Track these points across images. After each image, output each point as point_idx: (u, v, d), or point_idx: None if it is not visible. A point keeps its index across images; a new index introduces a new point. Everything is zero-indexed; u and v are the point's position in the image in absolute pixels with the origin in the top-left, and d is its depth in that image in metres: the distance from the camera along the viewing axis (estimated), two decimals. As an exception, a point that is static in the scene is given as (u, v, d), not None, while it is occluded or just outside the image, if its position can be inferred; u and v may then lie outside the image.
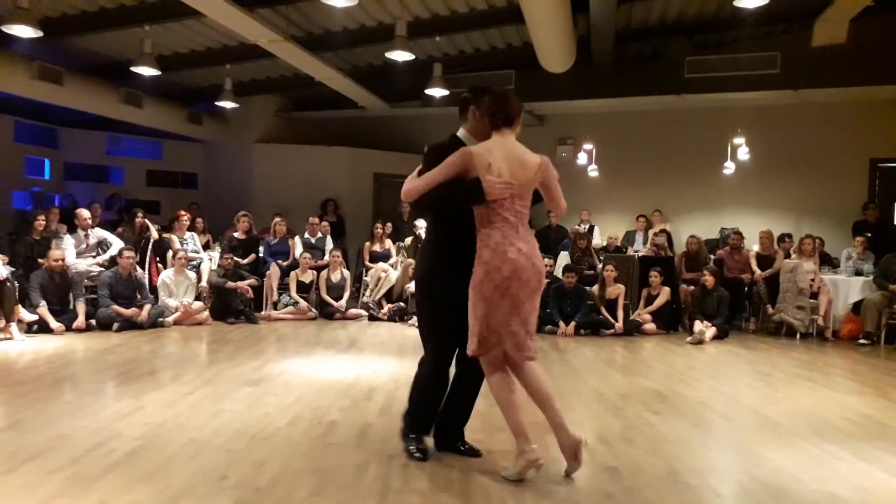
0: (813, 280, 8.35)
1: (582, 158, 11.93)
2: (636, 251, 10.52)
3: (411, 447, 3.41)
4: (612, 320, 8.30)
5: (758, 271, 8.99)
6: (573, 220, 11.71)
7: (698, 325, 8.00)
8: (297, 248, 9.66)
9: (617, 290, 8.51)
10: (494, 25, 9.68)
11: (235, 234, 9.47)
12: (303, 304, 8.85)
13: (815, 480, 3.23)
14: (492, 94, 3.22)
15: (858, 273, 8.66)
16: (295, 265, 9.30)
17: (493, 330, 3.08)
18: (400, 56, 8.00)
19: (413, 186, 3.09)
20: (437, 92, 9.73)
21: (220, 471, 3.14)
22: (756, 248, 9.46)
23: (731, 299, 8.45)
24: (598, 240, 11.14)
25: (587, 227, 11.41)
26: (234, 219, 9.60)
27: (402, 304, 8.97)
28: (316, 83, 10.59)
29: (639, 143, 11.99)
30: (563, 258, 9.96)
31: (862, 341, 7.86)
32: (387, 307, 9.02)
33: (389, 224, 10.44)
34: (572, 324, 8.12)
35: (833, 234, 10.48)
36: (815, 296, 8.37)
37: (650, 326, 8.41)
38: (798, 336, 8.30)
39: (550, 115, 12.50)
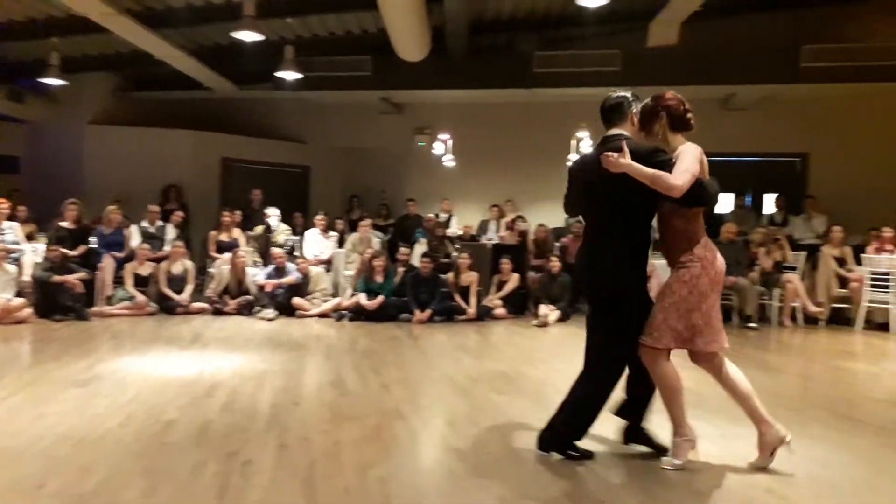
0: (646, 264, 8.98)
1: (439, 148, 12.08)
2: (490, 239, 10.83)
3: (576, 453, 3.30)
4: (466, 306, 8.50)
5: (598, 257, 9.52)
6: (432, 209, 11.84)
7: (543, 309, 8.39)
8: (134, 238, 9.03)
9: (470, 278, 8.73)
10: (349, 10, 9.54)
11: (63, 224, 8.71)
12: (140, 298, 8.27)
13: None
14: (675, 98, 3.29)
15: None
16: (131, 256, 8.69)
17: (692, 324, 3.13)
18: (248, 36, 7.68)
19: (685, 181, 2.97)
20: (288, 75, 9.45)
21: (38, 478, 2.90)
22: (597, 235, 10.02)
23: (574, 284, 8.92)
24: (454, 229, 11.35)
25: (447, 216, 11.59)
26: (62, 207, 8.81)
27: (249, 296, 8.61)
28: (156, 61, 9.93)
29: (492, 135, 12.32)
30: (420, 247, 10.06)
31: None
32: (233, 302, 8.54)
33: (238, 212, 10.01)
34: (428, 311, 8.22)
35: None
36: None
37: (501, 311, 8.72)
38: (634, 317, 8.90)
39: (408, 104, 12.56)
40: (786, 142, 11.41)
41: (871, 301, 8.42)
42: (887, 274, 8.25)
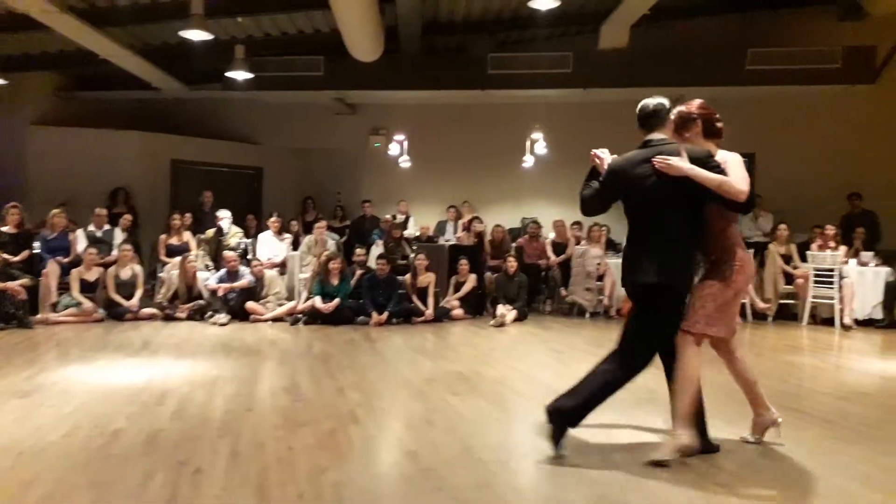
0: (599, 264, 9.13)
1: (394, 149, 12.02)
2: (447, 240, 10.83)
3: (561, 445, 3.32)
4: (423, 308, 8.48)
5: (553, 257, 9.67)
6: (388, 210, 11.77)
7: (500, 309, 8.43)
8: (80, 242, 8.74)
9: (428, 279, 8.71)
10: (300, 9, 9.42)
11: (4, 229, 8.38)
12: (87, 304, 8.02)
13: (594, 445, 3.55)
14: (706, 106, 3.50)
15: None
16: (77, 262, 8.41)
17: (723, 314, 3.34)
18: (196, 35, 7.50)
19: (748, 188, 3.21)
20: (239, 75, 9.30)
21: (-24, 495, 2.78)
22: (552, 235, 10.15)
23: (530, 283, 9.02)
24: (411, 230, 11.32)
25: (404, 217, 11.54)
26: (3, 211, 8.49)
27: (201, 301, 8.41)
28: (102, 60, 9.64)
29: (448, 136, 12.32)
30: (376, 248, 10.00)
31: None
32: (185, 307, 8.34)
33: (189, 215, 9.79)
34: (385, 313, 8.17)
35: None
36: (601, 278, 9.15)
37: (458, 312, 8.73)
38: (587, 315, 9.05)
39: (362, 105, 12.47)
40: (733, 142, 11.39)
41: (815, 297, 8.69)
42: (831, 270, 8.53)
